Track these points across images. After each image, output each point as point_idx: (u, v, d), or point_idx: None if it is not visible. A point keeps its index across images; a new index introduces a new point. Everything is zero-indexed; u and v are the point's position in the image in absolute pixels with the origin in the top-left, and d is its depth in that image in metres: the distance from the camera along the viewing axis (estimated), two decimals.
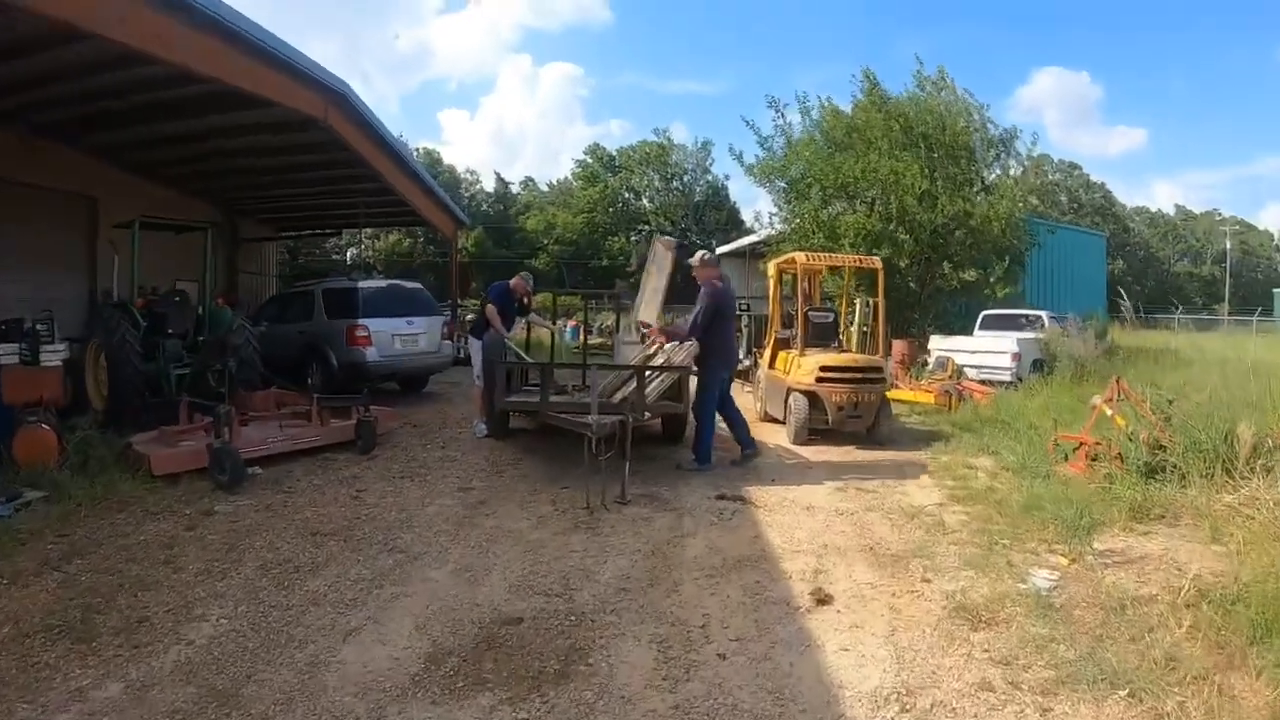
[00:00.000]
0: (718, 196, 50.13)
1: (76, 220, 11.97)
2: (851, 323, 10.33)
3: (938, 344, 13.71)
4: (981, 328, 14.71)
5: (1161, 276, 53.36)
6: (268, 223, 19.28)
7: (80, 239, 12.22)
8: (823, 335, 8.74)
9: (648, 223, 48.43)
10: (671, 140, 49.78)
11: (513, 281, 8.12)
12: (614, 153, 51.61)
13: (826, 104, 16.49)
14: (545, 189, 56.79)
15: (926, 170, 14.56)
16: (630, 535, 4.78)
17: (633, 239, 45.78)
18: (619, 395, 6.29)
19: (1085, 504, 5.10)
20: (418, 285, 11.59)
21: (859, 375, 7.78)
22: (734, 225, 43.81)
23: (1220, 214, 62.45)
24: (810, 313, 8.81)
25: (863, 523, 5.13)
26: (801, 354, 8.19)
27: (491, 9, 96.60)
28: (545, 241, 47.12)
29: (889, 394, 8.54)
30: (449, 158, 61.63)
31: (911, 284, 14.97)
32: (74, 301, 11.60)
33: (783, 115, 16.27)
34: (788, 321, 9.54)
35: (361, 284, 10.39)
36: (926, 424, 9.37)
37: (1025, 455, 6.75)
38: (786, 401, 8.08)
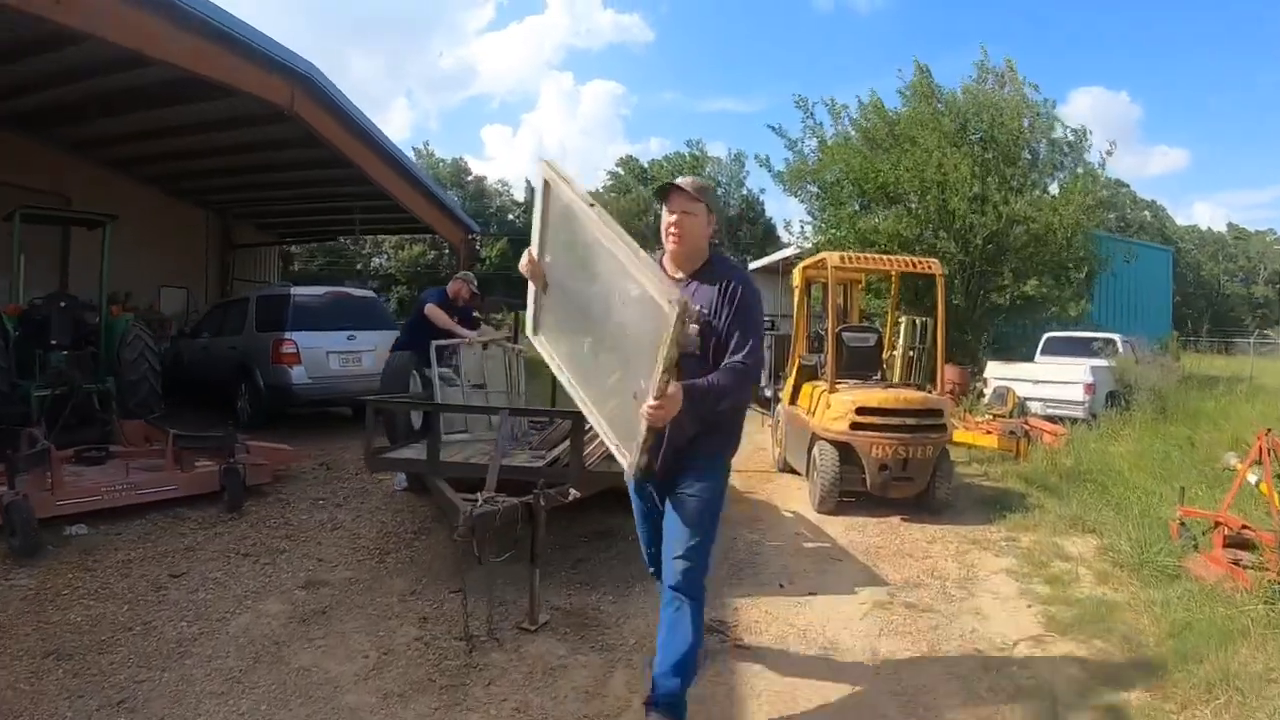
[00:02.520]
0: (753, 211, 48.39)
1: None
2: (895, 346, 8.08)
3: (996, 372, 11.77)
4: (1044, 353, 12.80)
5: (1212, 298, 49.96)
6: (266, 228, 18.59)
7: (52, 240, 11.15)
8: (861, 363, 6.58)
9: None
10: (705, 152, 48.19)
11: (449, 286, 6.24)
12: (646, 164, 50.39)
13: (870, 99, 14.79)
14: None
15: (979, 171, 12.63)
16: (510, 710, 2.74)
17: (656, 251, 44.08)
18: (559, 450, 4.28)
19: None
20: (369, 294, 9.82)
21: (911, 421, 5.61)
22: (770, 241, 41.77)
23: (1276, 233, 58.64)
24: (844, 333, 6.63)
25: (916, 692, 3.04)
26: (831, 389, 5.99)
27: (534, 27, 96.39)
28: None
29: None
30: (491, 173, 60.64)
31: (956, 300, 12.87)
32: None
33: (811, 115, 14.77)
34: (816, 344, 7.50)
35: (295, 291, 8.62)
36: (990, 477, 7.40)
37: (1140, 541, 4.78)
38: (810, 453, 5.95)
